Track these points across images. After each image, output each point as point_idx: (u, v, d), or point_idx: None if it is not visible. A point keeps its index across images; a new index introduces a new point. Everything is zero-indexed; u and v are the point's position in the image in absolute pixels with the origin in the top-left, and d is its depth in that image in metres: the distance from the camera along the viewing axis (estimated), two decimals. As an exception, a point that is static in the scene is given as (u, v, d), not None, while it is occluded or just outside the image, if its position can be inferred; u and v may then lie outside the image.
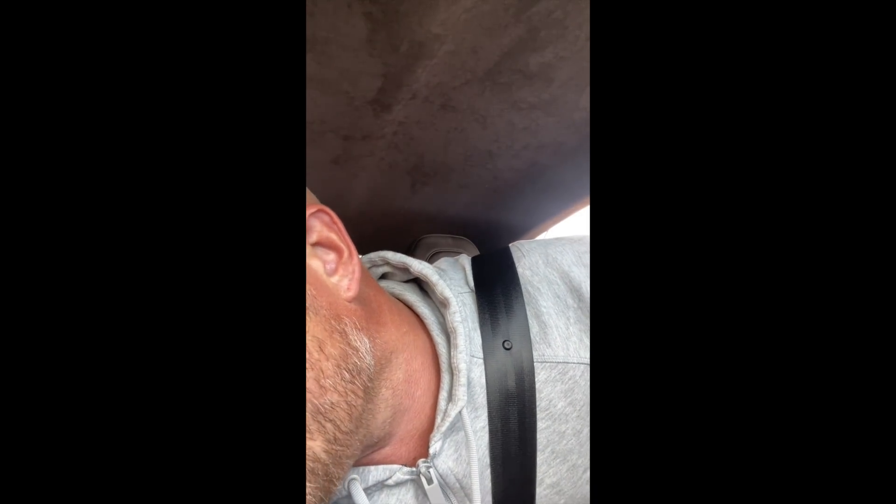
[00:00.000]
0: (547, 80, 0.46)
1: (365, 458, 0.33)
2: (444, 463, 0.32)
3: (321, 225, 0.30)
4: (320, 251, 0.30)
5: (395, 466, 0.32)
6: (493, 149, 0.58)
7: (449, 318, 0.33)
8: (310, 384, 0.25)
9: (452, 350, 0.32)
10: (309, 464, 0.25)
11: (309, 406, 0.25)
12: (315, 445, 0.25)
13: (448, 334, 0.33)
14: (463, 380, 0.31)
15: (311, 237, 0.30)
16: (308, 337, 0.26)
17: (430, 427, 0.33)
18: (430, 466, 0.31)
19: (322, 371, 0.26)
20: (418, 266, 0.35)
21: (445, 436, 0.31)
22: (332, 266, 0.30)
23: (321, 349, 0.26)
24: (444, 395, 0.32)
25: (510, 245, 0.38)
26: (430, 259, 0.81)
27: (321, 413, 0.25)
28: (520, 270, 0.35)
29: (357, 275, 0.30)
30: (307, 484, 0.25)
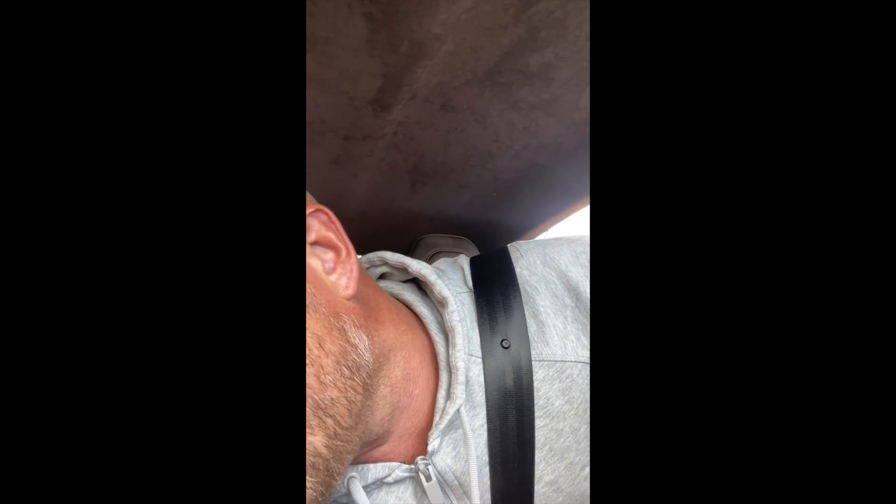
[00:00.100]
0: (547, 80, 0.46)
1: (364, 455, 0.33)
2: (443, 460, 0.32)
3: (319, 224, 0.30)
4: (319, 250, 0.31)
5: (394, 464, 0.32)
6: (493, 149, 0.58)
7: (447, 317, 0.33)
8: (310, 380, 0.25)
9: (451, 349, 0.32)
10: (310, 458, 0.25)
11: (309, 402, 0.25)
12: (316, 440, 0.25)
13: (446, 333, 0.34)
14: (461, 378, 0.31)
15: (310, 236, 0.30)
16: (308, 334, 0.26)
17: (429, 425, 0.33)
18: (429, 464, 0.32)
19: (322, 367, 0.26)
20: (416, 266, 0.35)
21: (444, 433, 0.32)
22: (330, 265, 0.30)
23: (321, 346, 0.26)
24: (442, 393, 0.32)
25: (508, 245, 0.38)
26: (430, 259, 0.81)
27: (321, 408, 0.26)
28: (518, 270, 0.36)
29: (355, 273, 0.31)
30: (308, 478, 0.25)
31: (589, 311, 0.33)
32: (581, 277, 0.34)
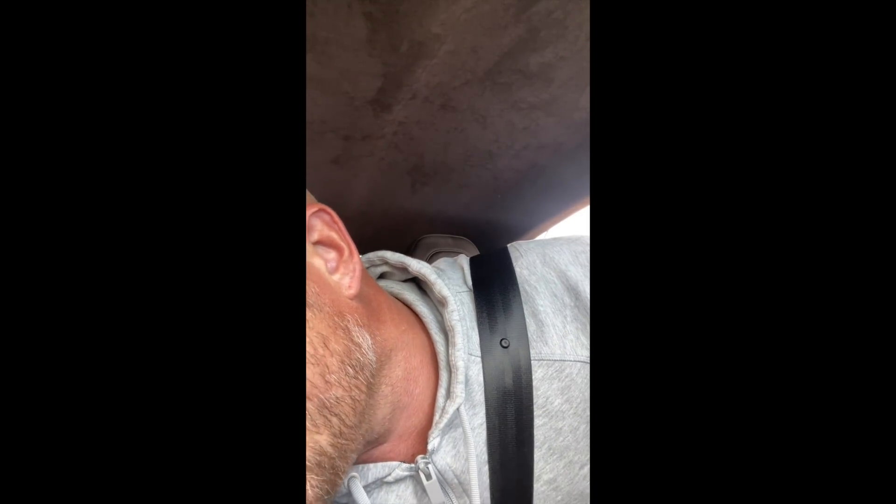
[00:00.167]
0: (547, 80, 0.46)
1: (364, 454, 0.33)
2: (443, 459, 0.32)
3: (322, 224, 0.31)
4: (321, 250, 0.31)
5: (394, 463, 0.32)
6: (493, 149, 0.58)
7: (447, 316, 0.33)
8: (315, 379, 0.25)
9: (450, 348, 0.32)
10: (316, 457, 0.25)
11: (315, 401, 0.25)
12: (322, 439, 0.25)
13: (446, 333, 0.34)
14: (461, 377, 0.31)
15: (313, 236, 0.30)
16: (313, 333, 0.26)
17: (429, 424, 0.33)
18: (429, 462, 0.32)
19: (327, 366, 0.26)
20: (417, 266, 0.36)
21: (443, 432, 0.32)
22: (333, 264, 0.30)
23: (325, 345, 0.27)
24: (442, 392, 0.32)
25: (508, 245, 0.38)
26: (430, 259, 0.81)
27: (327, 407, 0.26)
28: (517, 270, 0.36)
29: (358, 273, 0.31)
30: (315, 477, 0.25)
31: (588, 310, 0.33)
32: (580, 277, 0.34)
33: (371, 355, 0.29)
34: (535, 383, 0.32)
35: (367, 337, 0.30)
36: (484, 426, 0.32)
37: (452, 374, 0.32)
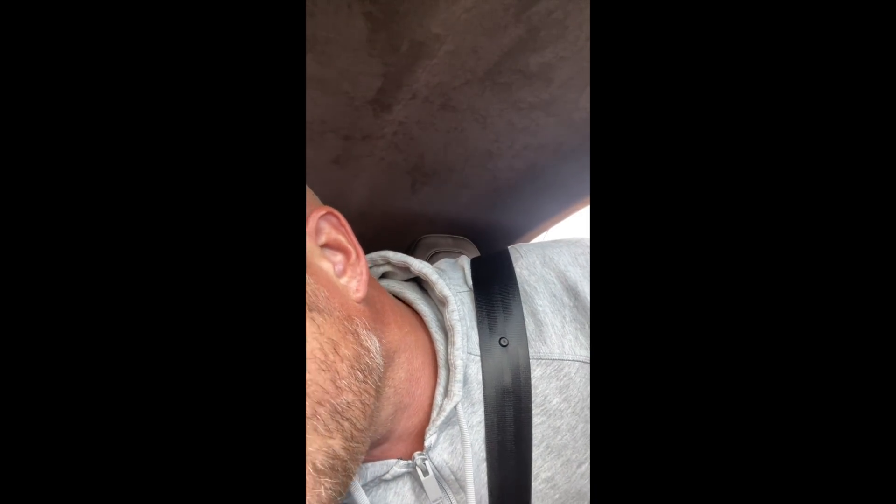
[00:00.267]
0: (547, 80, 0.46)
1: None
2: (440, 455, 0.32)
3: (330, 227, 0.31)
4: (328, 253, 0.31)
5: (392, 461, 0.33)
6: (493, 149, 0.58)
7: (447, 315, 0.33)
8: (327, 385, 0.26)
9: (450, 347, 0.32)
10: (329, 461, 0.25)
11: (327, 406, 0.26)
12: (335, 444, 0.26)
13: (446, 332, 0.34)
14: (459, 376, 0.31)
15: (321, 239, 0.30)
16: (323, 339, 0.26)
17: (428, 423, 0.33)
18: (426, 459, 0.32)
19: (338, 372, 0.26)
20: (418, 265, 0.36)
21: (441, 429, 0.32)
22: (340, 267, 0.31)
23: (336, 351, 0.27)
24: (440, 390, 0.33)
25: (509, 247, 0.39)
26: (430, 259, 0.81)
27: (338, 412, 0.26)
28: (517, 270, 0.36)
29: (364, 276, 0.31)
30: (328, 480, 0.25)
31: (587, 310, 0.34)
32: (580, 278, 0.34)
33: (379, 359, 0.30)
34: (533, 382, 0.32)
35: (375, 340, 0.30)
36: (482, 424, 0.32)
37: (450, 373, 0.32)
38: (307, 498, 0.24)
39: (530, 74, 0.45)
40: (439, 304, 0.35)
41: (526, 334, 0.33)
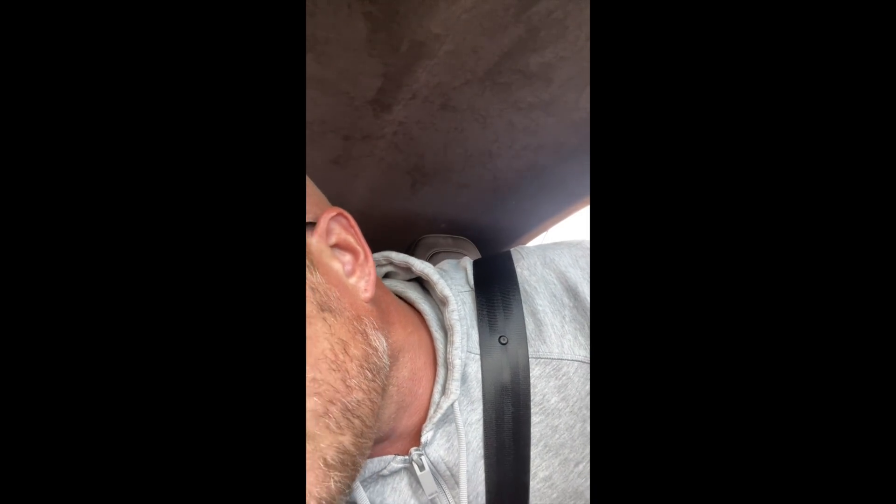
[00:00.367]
0: (547, 80, 0.46)
1: None
2: (436, 452, 0.33)
3: (339, 227, 0.31)
4: (338, 253, 0.31)
5: (389, 457, 0.33)
6: (493, 149, 0.58)
7: (447, 315, 0.34)
8: (337, 384, 0.26)
9: (449, 346, 0.33)
10: (340, 456, 0.26)
11: (338, 405, 0.26)
12: (345, 440, 0.26)
13: (447, 331, 0.34)
14: (457, 374, 0.32)
15: (331, 239, 0.31)
16: (334, 339, 0.27)
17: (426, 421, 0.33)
18: (422, 454, 0.32)
19: (348, 371, 0.27)
20: (420, 266, 0.36)
21: (437, 426, 0.32)
22: (349, 267, 0.31)
23: (346, 351, 0.27)
24: (438, 388, 0.33)
25: (511, 249, 0.39)
26: (430, 259, 0.81)
27: (349, 410, 0.27)
28: (518, 271, 0.36)
29: (373, 276, 0.31)
30: (338, 474, 0.26)
31: (587, 311, 0.34)
32: (580, 279, 0.35)
33: (386, 359, 0.30)
34: (532, 381, 0.33)
35: (383, 340, 0.30)
36: (481, 421, 0.32)
37: (449, 372, 0.33)
38: (318, 490, 0.25)
39: (530, 74, 0.45)
40: (440, 303, 0.35)
41: (526, 333, 0.34)
